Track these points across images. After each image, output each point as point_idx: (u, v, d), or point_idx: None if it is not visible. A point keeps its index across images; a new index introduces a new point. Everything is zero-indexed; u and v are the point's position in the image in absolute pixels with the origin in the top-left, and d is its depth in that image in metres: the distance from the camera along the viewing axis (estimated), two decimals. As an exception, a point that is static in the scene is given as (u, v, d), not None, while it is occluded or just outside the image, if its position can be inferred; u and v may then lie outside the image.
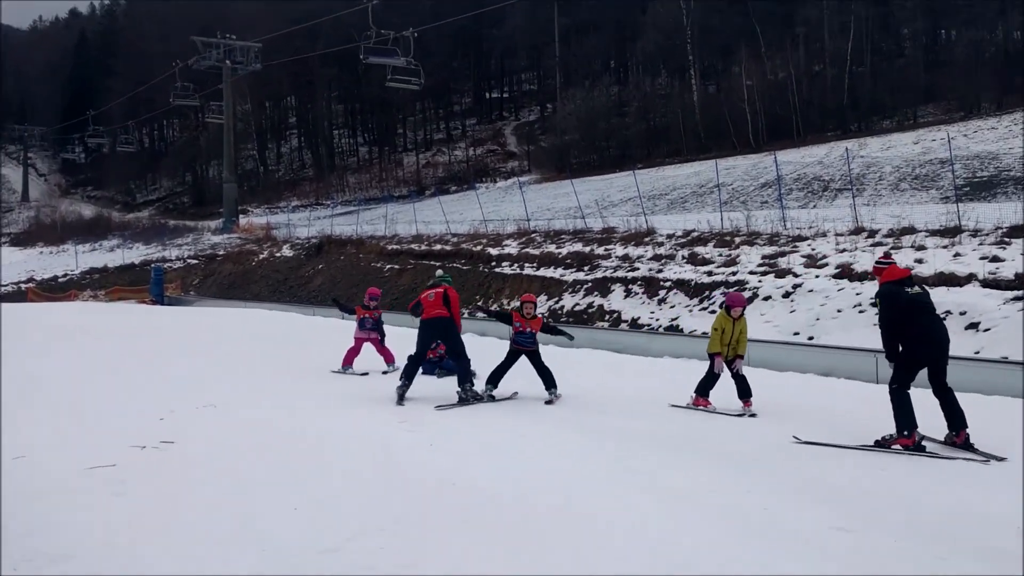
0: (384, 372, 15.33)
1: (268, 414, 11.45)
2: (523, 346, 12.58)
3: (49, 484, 7.88)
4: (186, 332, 23.97)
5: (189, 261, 56.61)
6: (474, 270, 33.61)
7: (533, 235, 35.90)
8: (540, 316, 13.18)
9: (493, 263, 33.17)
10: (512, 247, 34.64)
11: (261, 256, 51.19)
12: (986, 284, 17.60)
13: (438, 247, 38.54)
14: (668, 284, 24.74)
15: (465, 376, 12.29)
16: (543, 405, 12.20)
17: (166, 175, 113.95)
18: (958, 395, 9.49)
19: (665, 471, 8.58)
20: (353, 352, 15.48)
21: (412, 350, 12.73)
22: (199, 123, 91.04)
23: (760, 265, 23.33)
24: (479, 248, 35.80)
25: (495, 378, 12.62)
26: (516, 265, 31.99)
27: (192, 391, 13.15)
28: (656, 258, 27.14)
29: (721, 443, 9.92)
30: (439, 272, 14.11)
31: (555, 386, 12.46)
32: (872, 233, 23.40)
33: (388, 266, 39.24)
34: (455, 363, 12.68)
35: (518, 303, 13.34)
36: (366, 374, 15.20)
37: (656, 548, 6.17)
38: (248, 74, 74.96)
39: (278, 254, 50.21)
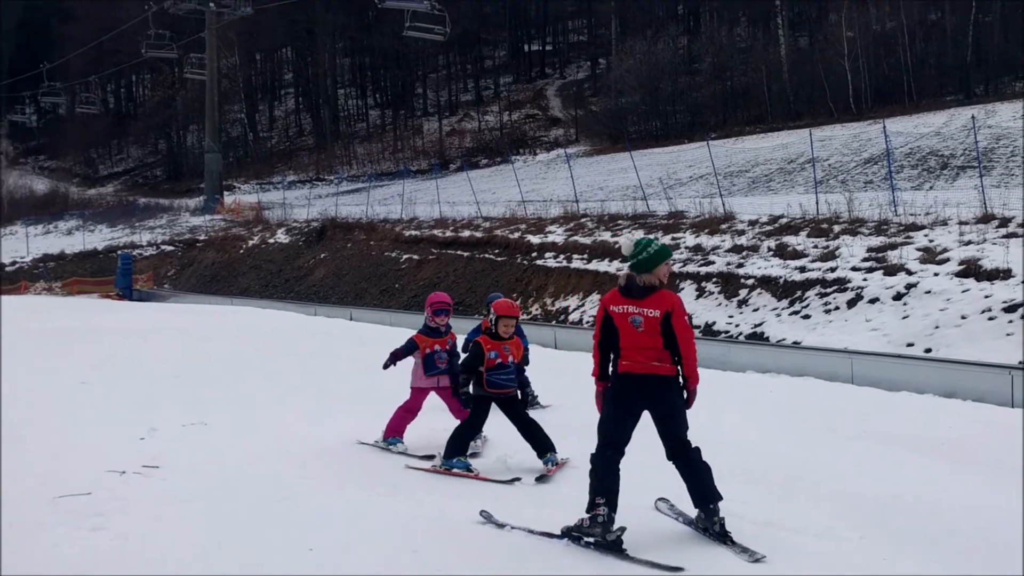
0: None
1: (268, 433, 11.55)
2: (500, 388, 9.43)
3: (12, 516, 8.00)
4: (163, 335, 24.15)
5: (163, 247, 56.96)
6: (510, 263, 33.65)
7: (583, 220, 35.88)
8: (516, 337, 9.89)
9: (534, 254, 33.20)
10: (558, 234, 34.65)
11: (251, 242, 51.48)
12: None
13: (466, 234, 38.57)
14: (751, 282, 24.67)
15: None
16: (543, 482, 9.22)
17: (135, 142, 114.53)
18: None
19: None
20: (408, 411, 10.53)
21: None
22: (176, 80, 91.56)
23: (865, 260, 23.13)
24: (517, 236, 35.83)
25: (460, 443, 9.53)
26: (562, 257, 31.98)
27: (176, 406, 13.29)
28: (735, 249, 27.05)
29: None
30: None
31: (553, 448, 9.44)
32: (1005, 221, 23.12)
33: (405, 256, 39.36)
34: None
35: (490, 316, 9.76)
36: (431, 457, 9.97)
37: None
38: (236, 20, 75.19)
39: (271, 240, 50.47)
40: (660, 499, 7.79)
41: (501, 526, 7.43)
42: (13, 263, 61.47)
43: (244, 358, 19.60)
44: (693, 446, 6.83)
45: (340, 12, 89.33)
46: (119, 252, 52.70)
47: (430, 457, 9.86)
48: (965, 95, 60.05)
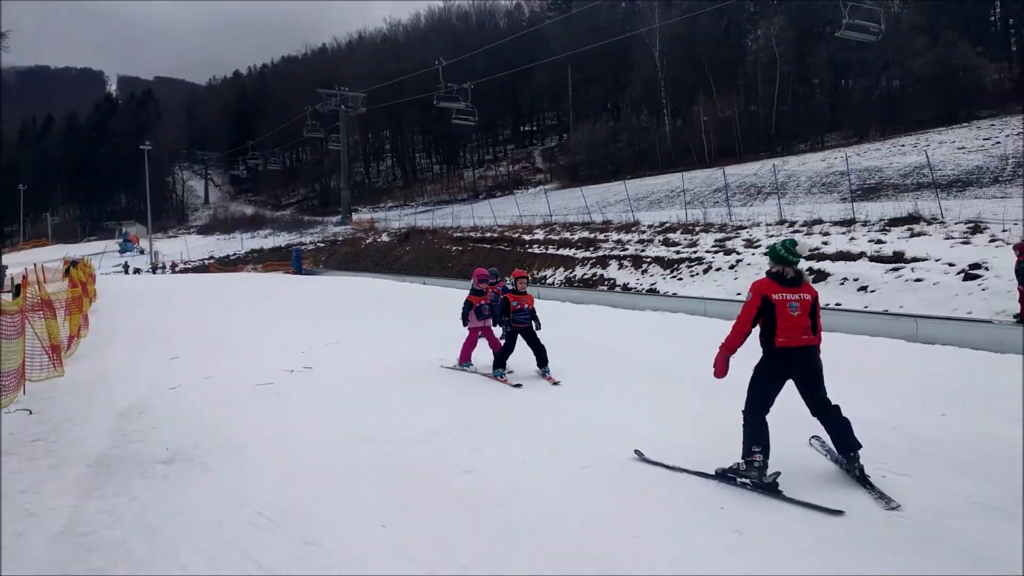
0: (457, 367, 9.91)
1: (377, 350, 11.57)
2: (521, 323, 9.27)
3: (229, 396, 8.07)
4: (319, 293, 24.21)
5: (318, 244, 56.77)
6: (513, 251, 33.53)
7: (554, 226, 35.72)
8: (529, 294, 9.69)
9: (526, 245, 33.08)
10: (539, 234, 34.51)
11: (367, 241, 51.30)
12: (872, 259, 17.37)
13: (488, 235, 38.45)
14: (649, 260, 24.62)
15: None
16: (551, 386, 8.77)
17: (302, 185, 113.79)
18: (847, 336, 9.31)
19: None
20: (470, 344, 9.91)
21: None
22: (324, 149, 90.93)
23: (713, 246, 23.08)
24: (516, 235, 35.68)
25: (502, 361, 9.28)
26: (542, 247, 31.88)
27: (323, 333, 13.33)
28: (640, 242, 26.97)
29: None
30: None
31: (547, 362, 9.20)
32: (792, 223, 23.05)
33: (454, 248, 39.22)
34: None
35: (509, 281, 10.14)
36: (514, 379, 9.08)
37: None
38: (356, 115, 75.15)
39: (378, 240, 50.31)
40: (814, 437, 5.98)
41: (654, 463, 5.68)
42: (234, 254, 61.78)
43: (363, 306, 19.64)
44: (833, 403, 5.26)
45: (415, 107, 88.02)
46: (293, 247, 52.68)
47: (514, 382, 8.86)
48: (771, 152, 59.44)
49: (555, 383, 8.79)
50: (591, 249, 28.43)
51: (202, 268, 54.76)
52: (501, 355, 9.32)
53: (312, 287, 27.59)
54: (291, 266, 45.05)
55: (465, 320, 9.76)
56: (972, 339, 11.05)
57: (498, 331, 10.09)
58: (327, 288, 26.73)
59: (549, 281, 27.91)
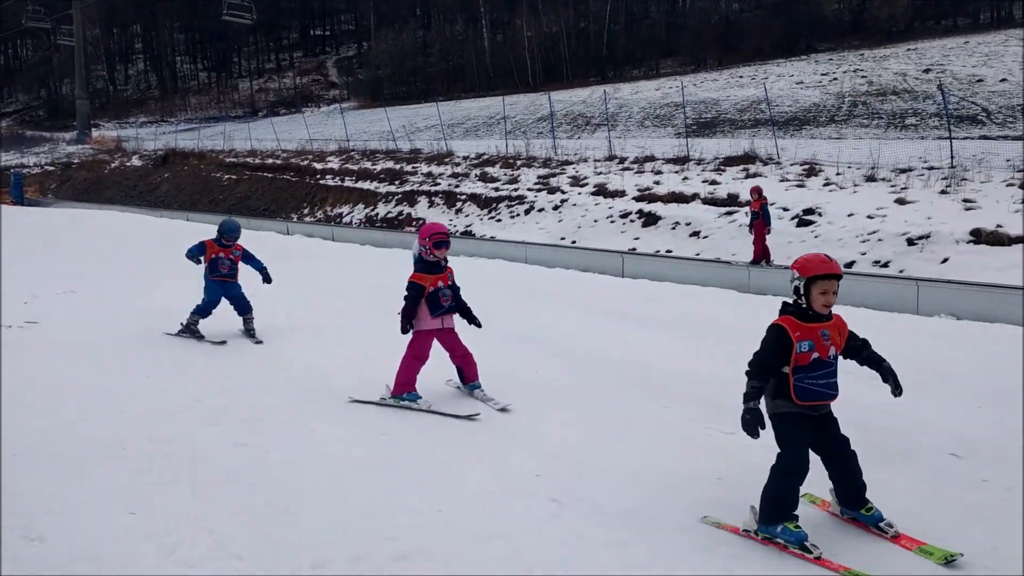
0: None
1: (124, 301, 10.92)
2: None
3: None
4: (48, 229, 22.34)
5: (46, 167, 52.18)
6: (302, 182, 32.60)
7: (352, 153, 35.04)
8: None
9: (318, 176, 32.23)
10: (334, 163, 33.76)
11: (112, 165, 47.81)
12: (705, 202, 18.57)
13: (270, 161, 37.03)
14: (464, 197, 24.80)
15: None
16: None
17: (22, 90, 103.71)
18: (677, 285, 9.96)
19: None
20: (416, 359, 6.51)
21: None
22: (51, 44, 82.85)
23: (536, 183, 23.61)
24: (306, 163, 34.66)
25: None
26: (338, 178, 31.25)
27: (53, 280, 12.37)
28: (454, 176, 27.10)
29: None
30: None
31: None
32: (622, 160, 24.05)
33: (227, 176, 37.49)
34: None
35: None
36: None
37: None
38: (96, 1, 68.96)
39: (128, 164, 47.03)
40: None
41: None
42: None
43: (107, 246, 18.36)
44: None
45: None
46: (12, 171, 48.01)
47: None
48: (602, 77, 61.49)
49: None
50: (397, 183, 28.22)
51: None
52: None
53: (38, 221, 25.38)
54: (9, 195, 41.07)
55: (409, 320, 6.40)
56: (721, 280, 13.14)
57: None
58: (59, 223, 24.70)
59: (346, 220, 27.45)
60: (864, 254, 14.28)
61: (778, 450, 4.03)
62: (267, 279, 9.15)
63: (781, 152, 21.05)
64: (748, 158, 21.09)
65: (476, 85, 67.15)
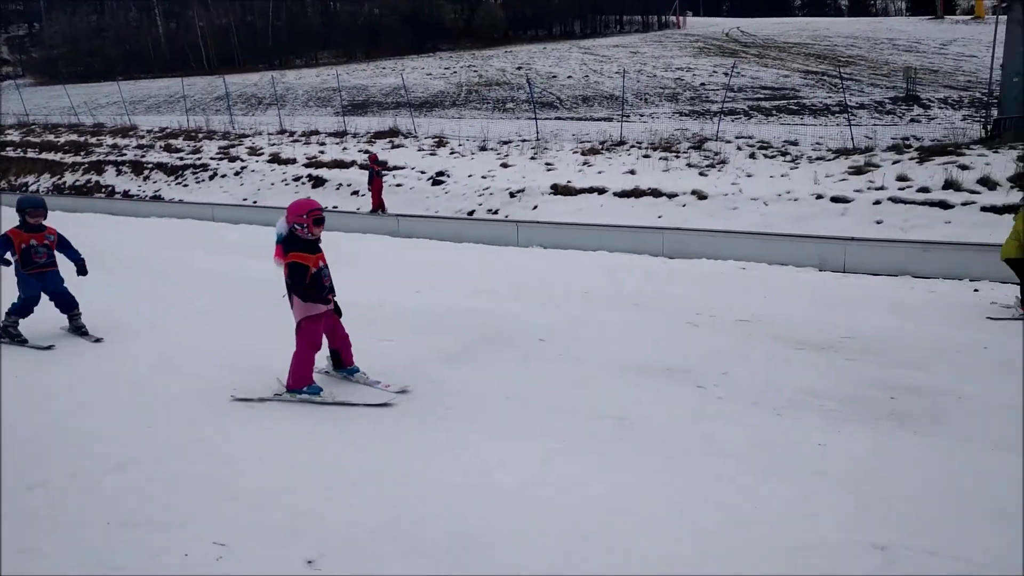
0: None
1: None
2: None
3: None
4: None
5: None
6: (-20, 154, 27.32)
7: (33, 127, 29.96)
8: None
9: (-2, 148, 27.22)
10: (14, 135, 28.65)
11: None
12: (361, 167, 18.63)
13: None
14: (150, 166, 22.49)
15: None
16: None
17: None
18: (423, 240, 9.98)
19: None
20: (308, 350, 4.93)
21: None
22: None
23: (218, 153, 22.09)
24: (-16, 135, 29.03)
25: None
26: (19, 150, 26.63)
27: None
28: (140, 147, 24.38)
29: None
30: None
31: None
32: (292, 134, 23.23)
33: None
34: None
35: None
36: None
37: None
38: None
39: None
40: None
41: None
42: None
43: None
44: None
45: None
46: None
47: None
48: (269, 64, 57.93)
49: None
50: (82, 154, 24.79)
51: None
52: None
53: None
54: None
55: (320, 294, 4.88)
56: (438, 231, 13.22)
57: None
58: None
59: (33, 188, 23.63)
60: (480, 204, 15.39)
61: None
62: (83, 271, 6.57)
63: (417, 128, 21.69)
64: (393, 132, 21.47)
65: (154, 67, 59.86)
